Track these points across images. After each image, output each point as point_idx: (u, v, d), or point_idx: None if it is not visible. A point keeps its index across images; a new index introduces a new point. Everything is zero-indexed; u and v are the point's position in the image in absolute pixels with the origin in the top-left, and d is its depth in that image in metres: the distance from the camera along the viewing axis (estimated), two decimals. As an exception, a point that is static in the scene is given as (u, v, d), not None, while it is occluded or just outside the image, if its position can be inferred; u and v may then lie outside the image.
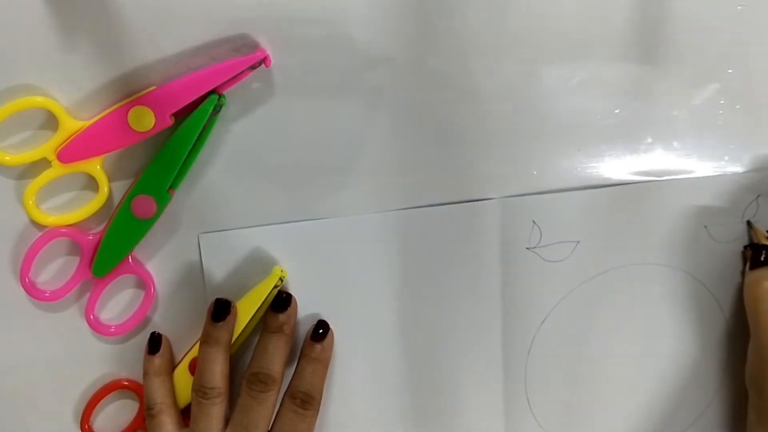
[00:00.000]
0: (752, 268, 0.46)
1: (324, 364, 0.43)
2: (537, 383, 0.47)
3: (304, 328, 0.44)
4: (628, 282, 0.46)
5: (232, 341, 0.42)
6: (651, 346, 0.48)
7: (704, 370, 0.49)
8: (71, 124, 0.38)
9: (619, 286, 0.46)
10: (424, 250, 0.44)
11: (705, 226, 0.46)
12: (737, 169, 0.46)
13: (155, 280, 0.43)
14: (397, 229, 0.44)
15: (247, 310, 0.42)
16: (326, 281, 0.44)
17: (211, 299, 0.41)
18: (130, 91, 0.39)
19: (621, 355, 0.48)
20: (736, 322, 0.48)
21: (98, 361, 0.44)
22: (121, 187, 0.41)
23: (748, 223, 0.47)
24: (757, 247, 0.46)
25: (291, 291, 0.43)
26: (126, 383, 0.44)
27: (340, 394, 0.45)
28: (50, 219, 0.40)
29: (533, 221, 0.44)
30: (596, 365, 0.48)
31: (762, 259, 0.45)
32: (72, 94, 0.39)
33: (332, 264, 0.44)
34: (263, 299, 0.42)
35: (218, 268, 0.43)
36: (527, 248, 0.45)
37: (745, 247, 0.47)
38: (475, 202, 0.44)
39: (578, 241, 0.45)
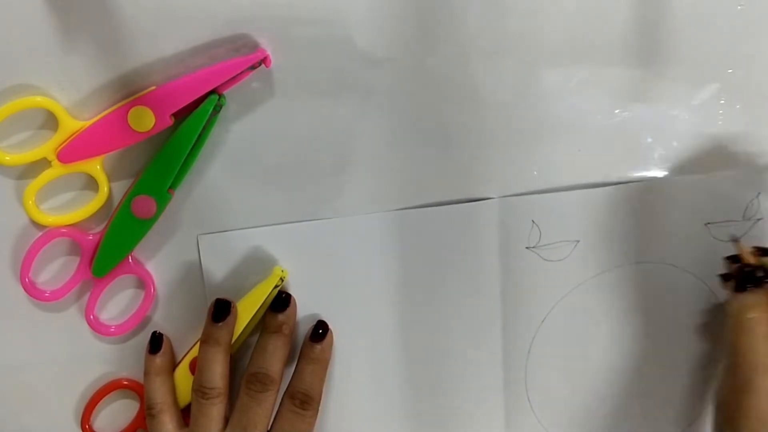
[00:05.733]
0: (737, 291, 0.43)
1: (323, 364, 0.43)
2: (538, 382, 0.47)
3: (304, 329, 0.44)
4: (628, 281, 0.46)
5: (233, 341, 0.42)
6: (651, 345, 0.48)
7: (705, 368, 0.49)
8: (71, 124, 0.38)
9: (620, 286, 0.46)
10: (423, 250, 0.44)
11: (706, 225, 0.46)
12: (738, 167, 0.46)
13: (155, 280, 0.43)
14: (396, 229, 0.44)
15: (247, 310, 0.42)
16: (326, 282, 0.44)
17: (211, 300, 0.41)
18: (130, 91, 0.39)
19: (621, 354, 0.48)
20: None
21: (98, 361, 0.44)
22: (121, 187, 0.41)
23: (734, 239, 0.45)
24: (745, 268, 0.43)
25: (291, 291, 0.43)
26: (126, 383, 0.44)
27: (340, 394, 0.45)
28: (50, 219, 0.40)
29: (533, 221, 0.44)
30: (597, 364, 0.48)
31: (748, 282, 0.42)
32: (72, 94, 0.39)
33: (332, 264, 0.44)
34: (264, 299, 0.42)
35: (218, 268, 0.43)
36: (527, 248, 0.45)
37: (723, 276, 0.45)
38: (475, 202, 0.44)
39: (578, 241, 0.45)
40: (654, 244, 0.46)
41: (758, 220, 0.47)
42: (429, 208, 0.44)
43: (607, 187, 0.45)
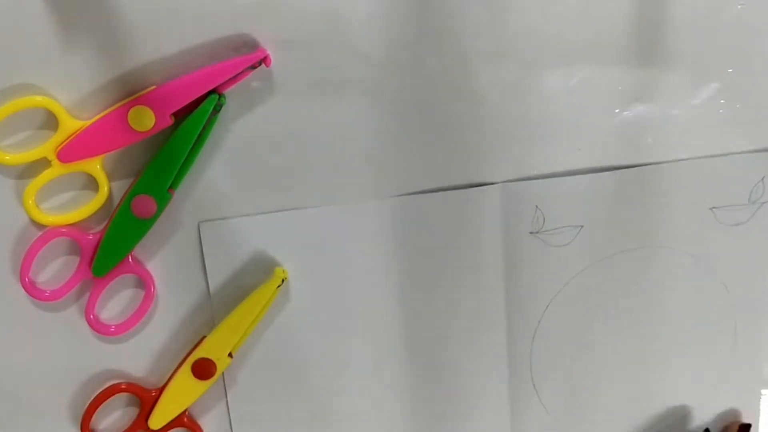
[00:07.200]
0: None
1: None
2: (542, 368, 0.47)
3: (306, 321, 0.44)
4: (633, 266, 0.46)
5: (234, 343, 0.42)
6: (656, 330, 0.48)
7: (710, 353, 0.48)
8: (71, 124, 0.39)
9: (624, 270, 0.46)
10: (426, 237, 0.44)
11: (711, 209, 0.46)
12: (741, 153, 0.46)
13: (155, 279, 0.43)
14: (399, 216, 0.43)
15: (249, 312, 0.42)
16: (328, 271, 0.44)
17: (214, 296, 0.41)
18: (130, 90, 0.39)
19: (626, 339, 0.48)
20: (742, 304, 0.48)
21: (98, 361, 0.44)
22: (121, 187, 0.41)
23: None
24: None
25: (291, 284, 0.43)
26: (124, 387, 0.44)
27: (343, 383, 0.45)
28: (50, 219, 0.40)
29: (536, 206, 0.44)
30: (601, 350, 0.48)
31: None
32: (72, 94, 0.39)
33: (334, 253, 0.44)
34: (266, 301, 0.42)
35: (220, 261, 0.43)
36: (531, 233, 0.45)
37: None
38: (477, 187, 0.43)
39: (582, 226, 0.45)
40: (659, 228, 0.46)
41: (764, 203, 0.46)
42: (431, 194, 0.43)
43: (611, 172, 0.45)
